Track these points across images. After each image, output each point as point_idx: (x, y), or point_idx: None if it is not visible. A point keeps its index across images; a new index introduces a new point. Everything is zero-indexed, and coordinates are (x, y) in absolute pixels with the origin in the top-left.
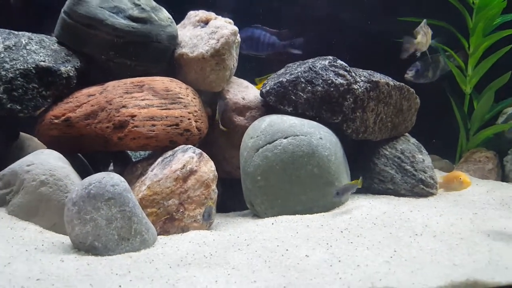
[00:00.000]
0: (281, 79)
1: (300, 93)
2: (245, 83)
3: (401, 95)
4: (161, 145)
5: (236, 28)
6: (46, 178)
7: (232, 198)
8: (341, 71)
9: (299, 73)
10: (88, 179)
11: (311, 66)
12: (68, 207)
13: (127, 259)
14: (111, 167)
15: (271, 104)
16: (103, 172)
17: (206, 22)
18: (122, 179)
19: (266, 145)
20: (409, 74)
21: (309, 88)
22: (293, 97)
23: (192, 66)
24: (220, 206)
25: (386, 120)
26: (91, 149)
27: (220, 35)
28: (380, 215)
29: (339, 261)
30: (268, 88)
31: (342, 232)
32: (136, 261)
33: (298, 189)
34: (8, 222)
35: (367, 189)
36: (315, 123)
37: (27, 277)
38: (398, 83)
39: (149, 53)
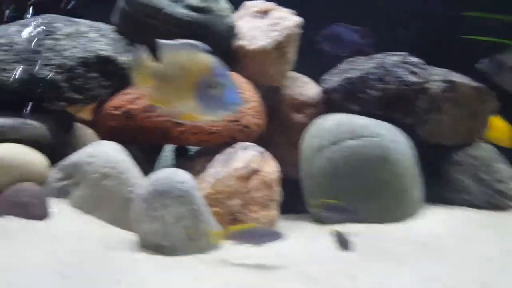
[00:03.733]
0: (348, 75)
1: (370, 90)
2: (304, 78)
3: (479, 97)
4: (222, 141)
5: (300, 20)
6: (108, 171)
7: (288, 199)
8: (415, 69)
9: (369, 70)
10: (156, 175)
11: (381, 62)
12: (137, 203)
13: (198, 262)
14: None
15: (335, 102)
16: (169, 168)
17: (265, 13)
18: (189, 176)
19: (331, 145)
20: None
21: (380, 86)
22: (361, 95)
23: (251, 59)
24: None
25: (461, 123)
26: (149, 141)
27: (283, 27)
28: (463, 231)
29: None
30: (333, 84)
31: (423, 247)
32: (210, 264)
33: (367, 196)
34: (72, 215)
35: (439, 198)
36: (386, 123)
37: (106, 280)
38: (477, 83)
39: (208, 45)
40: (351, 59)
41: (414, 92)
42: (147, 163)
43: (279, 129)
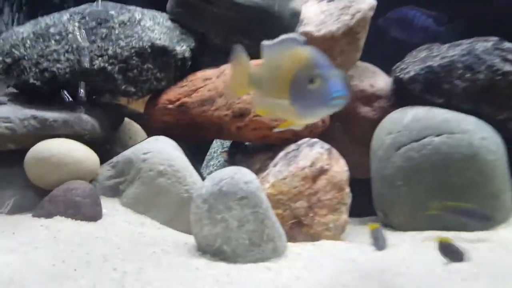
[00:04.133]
0: (429, 63)
1: (456, 81)
2: (372, 67)
3: None
4: (283, 137)
5: (375, 2)
6: (164, 169)
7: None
8: (510, 56)
9: (455, 57)
10: (219, 174)
11: (470, 48)
12: (197, 204)
13: (264, 271)
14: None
15: (414, 94)
16: (233, 167)
17: None
18: (255, 176)
19: (411, 143)
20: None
21: (468, 75)
22: (446, 86)
23: (318, 47)
24: None
25: None
26: (203, 137)
27: (356, 10)
28: None
29: None
30: (412, 73)
31: None
32: (277, 275)
33: (452, 200)
34: (124, 215)
35: None
36: (473, 118)
37: None
38: None
39: (269, 31)
40: (425, 46)
41: (508, 82)
42: (194, 161)
43: (342, 124)
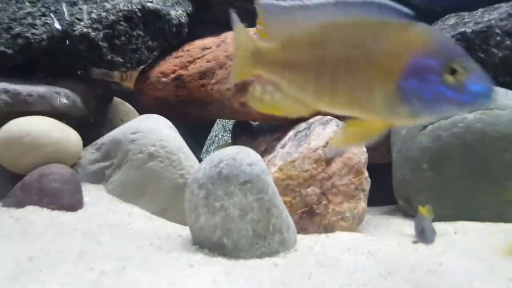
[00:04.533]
0: (461, 29)
1: (494, 49)
2: None
3: None
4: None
5: None
6: (156, 150)
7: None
8: None
9: (492, 22)
10: (218, 154)
11: (510, 11)
12: (193, 190)
13: (271, 268)
14: (213, 140)
15: None
16: (235, 146)
17: None
18: (259, 156)
19: (440, 120)
20: None
21: (508, 42)
22: (482, 55)
23: None
24: None
25: None
26: (203, 116)
27: None
28: None
29: None
30: None
31: None
32: (286, 272)
33: (486, 186)
34: (110, 204)
35: None
36: None
37: None
38: None
39: None
40: (453, 14)
41: None
42: (192, 145)
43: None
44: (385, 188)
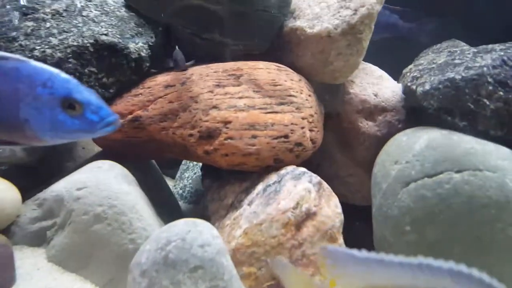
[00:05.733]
0: (450, 74)
1: (485, 100)
2: (378, 71)
3: None
4: (262, 164)
5: None
6: (103, 211)
7: (347, 231)
8: None
9: (485, 68)
10: (166, 233)
11: (505, 58)
12: (134, 277)
13: None
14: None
15: (430, 112)
16: (186, 220)
17: None
18: (215, 232)
19: (423, 178)
20: None
21: (501, 93)
22: (471, 106)
23: (309, 47)
24: None
25: None
26: (166, 157)
27: (360, 3)
28: None
29: None
30: (427, 87)
31: None
32: None
33: (476, 257)
34: (48, 277)
35: None
36: (508, 151)
37: None
38: None
39: (250, 26)
40: (445, 44)
41: None
42: (163, 174)
43: (339, 140)
44: (368, 232)
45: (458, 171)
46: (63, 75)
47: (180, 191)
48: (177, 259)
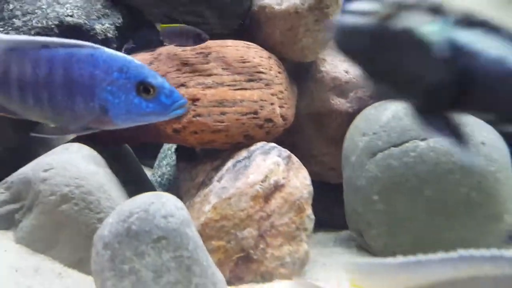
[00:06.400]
0: None
1: None
2: None
3: None
4: (232, 141)
5: None
6: (70, 191)
7: (322, 209)
8: None
9: None
10: (129, 205)
11: None
12: (97, 250)
13: None
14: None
15: None
16: (150, 193)
17: None
18: (180, 203)
19: (390, 147)
20: None
21: None
22: None
23: (278, 25)
24: None
25: None
26: (137, 141)
27: None
28: None
29: None
30: None
31: None
32: None
33: (442, 222)
34: (15, 257)
35: None
36: (471, 118)
37: None
38: None
39: (218, 5)
40: None
41: None
42: (141, 161)
43: (312, 119)
44: (343, 209)
45: (423, 139)
46: (136, 61)
47: (159, 179)
48: (140, 230)
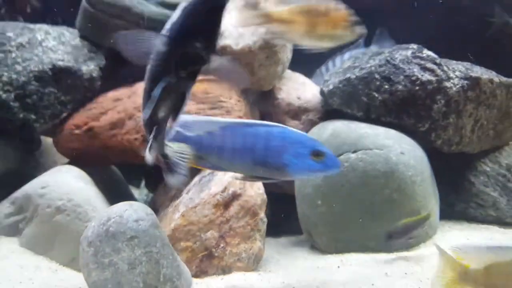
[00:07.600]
0: (348, 75)
1: (374, 93)
2: (301, 78)
3: (509, 95)
4: None
5: None
6: (63, 204)
7: (283, 218)
8: (429, 64)
9: (373, 68)
10: (107, 212)
11: (388, 58)
12: (83, 248)
13: None
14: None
15: (334, 107)
16: (125, 203)
17: (254, 5)
18: (149, 210)
19: None
20: None
21: (386, 86)
22: (365, 99)
23: (238, 61)
24: (270, 227)
25: (487, 127)
26: (120, 161)
27: None
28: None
29: None
30: (331, 87)
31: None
32: None
33: (371, 220)
34: (20, 257)
35: (461, 215)
36: (393, 132)
37: None
38: (505, 79)
39: None
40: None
41: (428, 92)
42: (126, 180)
43: None
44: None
45: (354, 151)
46: (309, 136)
47: (145, 197)
48: (116, 231)
